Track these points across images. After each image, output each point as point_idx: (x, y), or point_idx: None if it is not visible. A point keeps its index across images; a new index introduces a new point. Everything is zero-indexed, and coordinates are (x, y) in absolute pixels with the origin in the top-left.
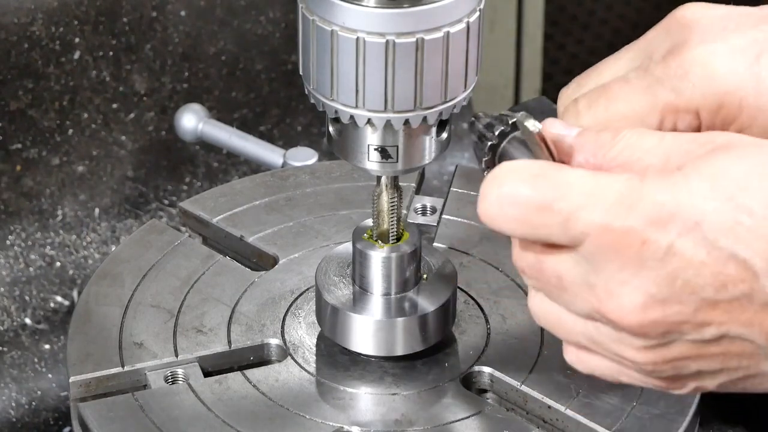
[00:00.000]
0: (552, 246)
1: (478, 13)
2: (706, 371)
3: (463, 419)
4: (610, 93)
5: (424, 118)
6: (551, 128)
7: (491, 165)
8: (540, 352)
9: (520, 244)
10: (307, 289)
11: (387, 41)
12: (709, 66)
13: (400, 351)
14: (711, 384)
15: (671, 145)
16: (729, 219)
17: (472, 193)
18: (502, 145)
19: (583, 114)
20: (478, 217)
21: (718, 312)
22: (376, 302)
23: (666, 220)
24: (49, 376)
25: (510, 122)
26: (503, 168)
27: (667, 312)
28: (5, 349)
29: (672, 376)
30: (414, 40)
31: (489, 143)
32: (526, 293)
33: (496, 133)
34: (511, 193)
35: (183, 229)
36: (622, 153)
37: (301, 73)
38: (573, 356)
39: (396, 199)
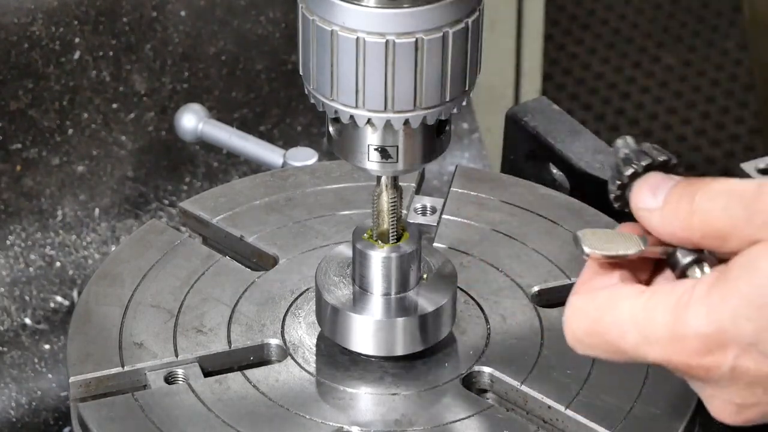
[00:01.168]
0: None
1: (477, 13)
2: None
3: (463, 419)
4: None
5: (424, 118)
6: (640, 203)
7: (622, 192)
8: (540, 352)
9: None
10: (307, 289)
11: (387, 41)
12: None
13: (400, 351)
14: None
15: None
16: None
17: (472, 193)
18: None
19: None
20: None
21: None
22: (376, 302)
23: (718, 346)
24: (49, 376)
25: (659, 160)
26: (568, 313)
27: (763, 410)
28: (5, 349)
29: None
30: (414, 40)
31: (631, 170)
32: (526, 293)
33: (644, 164)
34: (578, 336)
35: (183, 229)
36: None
37: (301, 73)
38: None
39: (396, 199)
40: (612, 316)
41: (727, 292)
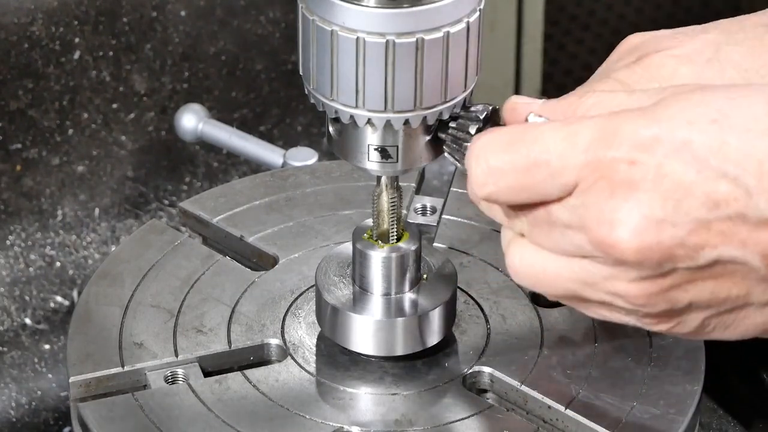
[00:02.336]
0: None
1: (478, 13)
2: (695, 303)
3: (463, 419)
4: (574, 100)
5: (424, 118)
6: (519, 99)
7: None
8: (540, 352)
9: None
10: (307, 289)
11: (387, 41)
12: (671, 66)
13: (400, 351)
14: (695, 320)
15: (641, 97)
16: (716, 139)
17: None
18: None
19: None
20: (471, 197)
21: (712, 233)
22: (376, 302)
23: (651, 143)
24: (49, 376)
25: (482, 117)
26: (478, 145)
27: (661, 235)
28: (5, 349)
29: (663, 311)
30: (414, 40)
31: (475, 128)
32: (526, 293)
33: (473, 132)
34: (496, 166)
35: (183, 229)
36: (592, 109)
37: (301, 73)
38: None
39: (396, 199)
40: (534, 132)
41: (670, 101)
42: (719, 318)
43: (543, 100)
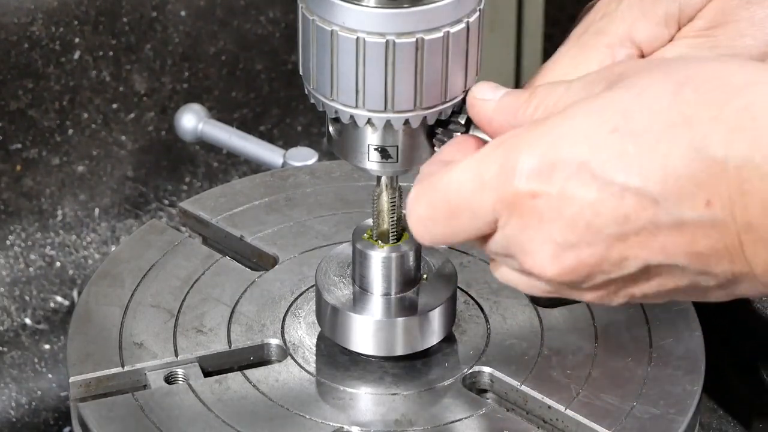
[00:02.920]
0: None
1: (478, 13)
2: (650, 295)
3: (463, 419)
4: (522, 102)
5: (424, 118)
6: (478, 94)
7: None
8: (540, 352)
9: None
10: (307, 289)
11: (387, 41)
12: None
13: (400, 351)
14: (659, 298)
15: (576, 90)
16: (614, 151)
17: None
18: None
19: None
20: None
21: (630, 245)
22: (376, 302)
23: (548, 170)
24: (49, 376)
25: (464, 122)
26: (410, 198)
27: (580, 256)
28: (5, 349)
29: (624, 300)
30: (414, 40)
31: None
32: (526, 293)
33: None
34: (425, 216)
35: (183, 229)
36: (537, 110)
37: (301, 73)
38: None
39: (396, 199)
40: (448, 178)
41: (574, 111)
42: (679, 294)
43: (502, 93)
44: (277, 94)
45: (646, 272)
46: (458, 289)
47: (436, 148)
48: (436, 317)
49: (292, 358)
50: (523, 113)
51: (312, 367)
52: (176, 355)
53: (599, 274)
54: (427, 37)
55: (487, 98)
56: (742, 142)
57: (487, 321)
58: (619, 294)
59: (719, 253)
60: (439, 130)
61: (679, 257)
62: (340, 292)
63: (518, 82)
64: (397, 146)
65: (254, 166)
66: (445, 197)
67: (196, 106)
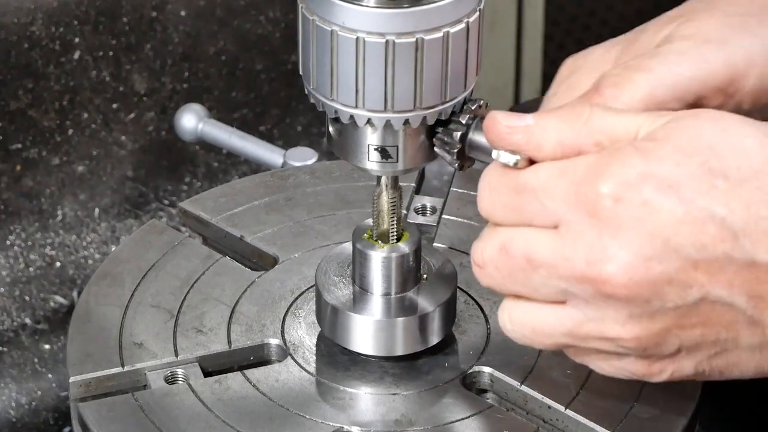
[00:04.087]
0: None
1: (477, 13)
2: (686, 347)
3: (463, 419)
4: (575, 117)
5: (424, 118)
6: (504, 121)
7: (462, 157)
8: (540, 352)
9: (486, 230)
10: (307, 289)
11: (387, 41)
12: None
13: (400, 351)
14: (689, 366)
15: (644, 118)
16: (705, 182)
17: (472, 193)
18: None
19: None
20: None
21: (699, 272)
22: (376, 302)
23: (638, 180)
24: (49, 376)
25: (465, 122)
26: (487, 168)
27: (650, 272)
28: (5, 349)
29: (654, 355)
30: (414, 40)
31: (457, 149)
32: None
33: (458, 140)
34: (495, 185)
35: (183, 229)
36: (594, 131)
37: (301, 73)
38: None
39: (396, 199)
40: (533, 167)
41: (662, 138)
42: (710, 362)
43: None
44: (277, 94)
45: (698, 309)
46: (458, 289)
47: (436, 148)
48: (436, 317)
49: (292, 358)
50: (578, 131)
51: (312, 367)
52: (176, 355)
53: (656, 299)
54: (426, 37)
55: (513, 125)
56: None
57: (487, 321)
58: (656, 338)
59: None
60: (439, 130)
61: (741, 296)
62: (340, 292)
63: (518, 82)
64: (397, 146)
65: (254, 166)
66: (518, 172)
67: (196, 106)
